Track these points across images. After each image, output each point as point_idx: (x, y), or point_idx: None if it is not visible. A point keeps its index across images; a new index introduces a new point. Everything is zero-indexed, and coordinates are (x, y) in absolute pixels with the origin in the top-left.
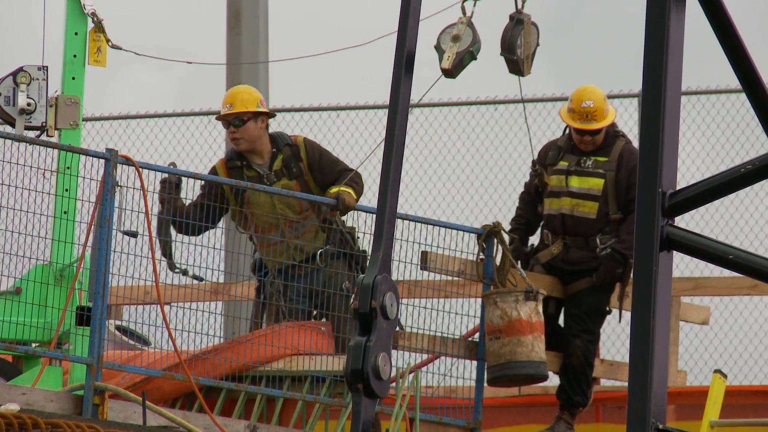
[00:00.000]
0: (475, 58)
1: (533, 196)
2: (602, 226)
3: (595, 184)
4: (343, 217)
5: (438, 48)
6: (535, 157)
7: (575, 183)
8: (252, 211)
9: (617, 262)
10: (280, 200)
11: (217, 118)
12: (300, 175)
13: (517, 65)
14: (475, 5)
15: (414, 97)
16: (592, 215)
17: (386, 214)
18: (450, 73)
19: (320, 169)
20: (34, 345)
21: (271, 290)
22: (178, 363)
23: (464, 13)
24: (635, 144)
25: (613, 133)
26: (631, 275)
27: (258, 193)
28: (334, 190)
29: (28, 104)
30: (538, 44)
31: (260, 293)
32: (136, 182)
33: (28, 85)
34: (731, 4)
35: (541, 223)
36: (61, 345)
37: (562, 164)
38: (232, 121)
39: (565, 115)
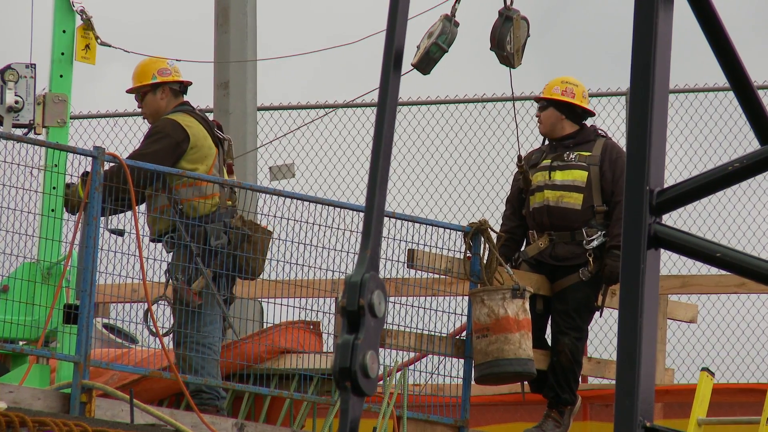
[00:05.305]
0: (446, 50)
1: (516, 206)
2: (588, 218)
3: (579, 175)
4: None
5: (417, 47)
6: (523, 154)
7: (558, 176)
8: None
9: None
10: None
11: None
12: None
13: (507, 59)
14: (459, 2)
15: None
16: (577, 206)
17: (374, 211)
18: (417, 67)
19: None
20: (21, 343)
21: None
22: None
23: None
24: (622, 142)
25: (594, 130)
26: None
27: None
28: None
29: (16, 102)
30: (528, 35)
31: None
32: None
33: (16, 82)
34: (722, 2)
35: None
36: (48, 343)
37: (546, 162)
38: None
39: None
